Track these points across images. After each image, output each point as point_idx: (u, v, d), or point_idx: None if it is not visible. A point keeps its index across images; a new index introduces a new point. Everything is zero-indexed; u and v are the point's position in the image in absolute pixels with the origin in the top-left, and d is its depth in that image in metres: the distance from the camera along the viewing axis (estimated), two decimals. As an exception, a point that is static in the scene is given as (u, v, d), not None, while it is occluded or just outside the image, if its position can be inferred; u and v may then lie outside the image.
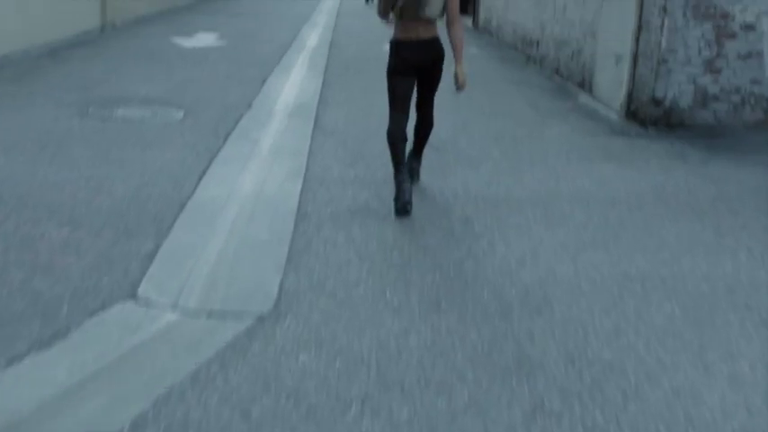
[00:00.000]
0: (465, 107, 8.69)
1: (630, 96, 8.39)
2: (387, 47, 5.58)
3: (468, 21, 19.44)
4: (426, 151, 6.09)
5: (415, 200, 5.47)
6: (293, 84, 10.05)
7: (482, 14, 17.96)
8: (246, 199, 5.45)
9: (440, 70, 5.32)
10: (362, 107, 8.58)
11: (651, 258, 4.59)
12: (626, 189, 5.96)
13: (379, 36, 14.82)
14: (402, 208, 5.17)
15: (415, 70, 5.25)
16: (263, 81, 10.05)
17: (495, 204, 5.49)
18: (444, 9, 5.16)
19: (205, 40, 14.31)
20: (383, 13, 5.30)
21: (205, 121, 7.76)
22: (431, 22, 5.17)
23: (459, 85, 5.27)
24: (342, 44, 14.63)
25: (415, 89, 5.42)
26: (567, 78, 10.72)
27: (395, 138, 5.28)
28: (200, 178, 5.90)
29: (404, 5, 5.07)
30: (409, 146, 5.77)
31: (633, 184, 6.09)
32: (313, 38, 15.61)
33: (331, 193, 5.65)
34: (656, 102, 7.93)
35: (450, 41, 5.23)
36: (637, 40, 8.26)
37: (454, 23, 5.22)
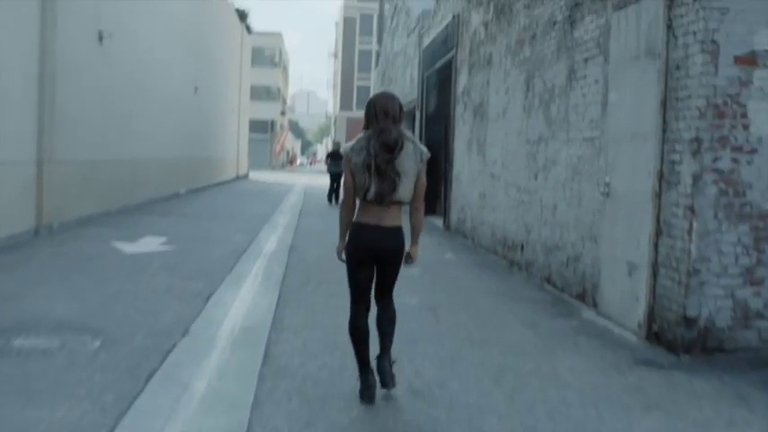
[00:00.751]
0: (449, 333, 7.14)
1: (652, 314, 6.91)
2: None
3: (439, 221, 18.34)
4: (410, 399, 4.50)
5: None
6: (243, 300, 8.44)
7: (454, 215, 16.81)
8: (154, 492, 3.70)
9: (399, 264, 5.19)
10: (325, 332, 6.95)
11: None
12: (692, 460, 4.31)
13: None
14: (369, 398, 5.08)
15: (373, 258, 5.11)
16: (208, 297, 8.44)
17: (518, 498, 3.78)
18: (413, 192, 5.08)
19: (150, 244, 12.82)
20: (349, 198, 5.11)
21: (125, 354, 6.08)
22: (396, 208, 5.06)
23: (410, 262, 5.22)
24: (303, 248, 13.21)
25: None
26: (562, 289, 9.28)
27: (357, 333, 5.20)
28: (96, 453, 4.17)
29: (377, 191, 4.91)
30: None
31: (699, 451, 4.45)
32: (272, 241, 14.21)
33: (279, 478, 3.93)
34: (689, 321, 6.43)
35: (411, 222, 5.20)
36: (656, 246, 6.88)
37: (419, 208, 5.17)
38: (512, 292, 9.66)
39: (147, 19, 20.87)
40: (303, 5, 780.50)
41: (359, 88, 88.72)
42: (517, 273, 11.06)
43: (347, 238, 5.15)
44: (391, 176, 4.87)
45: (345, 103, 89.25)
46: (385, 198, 4.92)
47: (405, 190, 4.94)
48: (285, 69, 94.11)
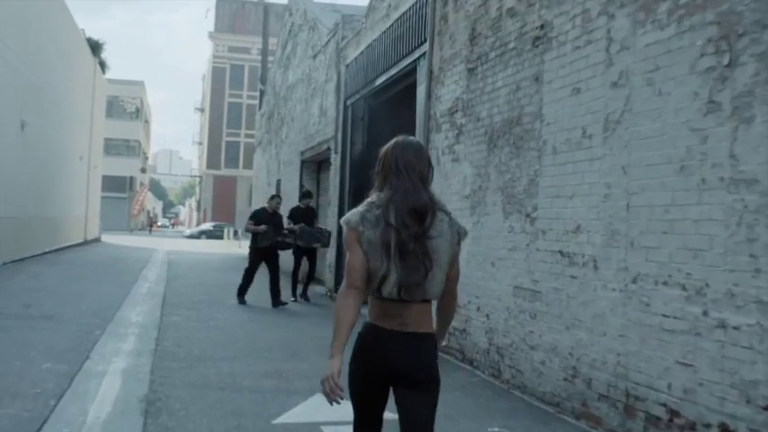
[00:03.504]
0: None
1: None
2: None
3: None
4: None
5: None
6: None
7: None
8: None
9: (434, 393, 3.23)
10: None
11: None
12: None
13: (268, 365, 6.74)
14: None
15: (387, 380, 3.20)
16: None
17: None
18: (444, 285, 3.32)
19: None
20: (355, 287, 3.14)
21: None
22: (423, 308, 3.24)
23: None
24: (172, 403, 6.16)
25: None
26: None
27: None
28: None
29: (399, 282, 3.11)
30: None
31: None
32: (110, 383, 7.10)
33: None
34: None
35: (441, 314, 3.50)
36: None
37: (453, 306, 3.48)
38: None
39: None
40: (166, 63, 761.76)
41: (228, 144, 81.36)
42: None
43: (353, 350, 3.25)
44: (421, 260, 3.12)
45: (213, 161, 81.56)
46: (412, 292, 3.14)
47: (436, 282, 3.21)
48: (147, 123, 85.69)
